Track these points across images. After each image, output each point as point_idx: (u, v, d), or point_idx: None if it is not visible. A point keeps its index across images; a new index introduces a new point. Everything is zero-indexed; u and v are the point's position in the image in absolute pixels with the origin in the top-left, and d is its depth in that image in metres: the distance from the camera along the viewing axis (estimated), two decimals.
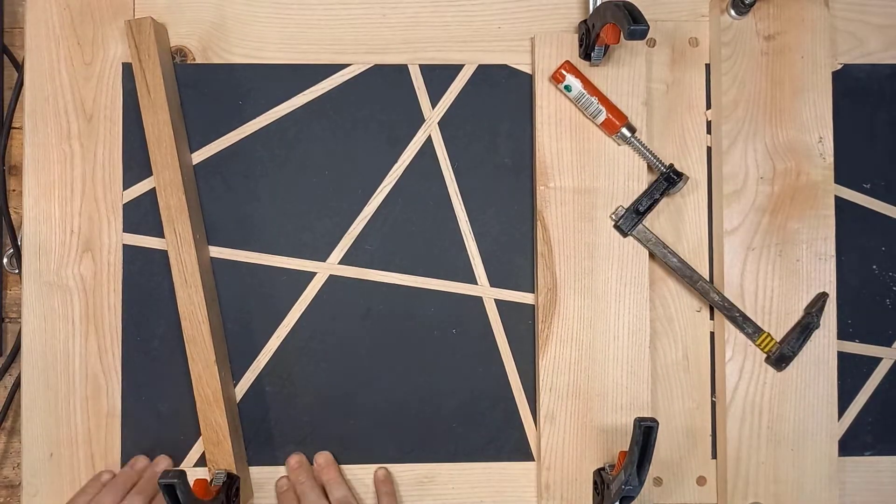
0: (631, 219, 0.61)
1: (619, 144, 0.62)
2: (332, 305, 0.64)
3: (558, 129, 0.62)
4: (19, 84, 0.65)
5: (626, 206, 0.62)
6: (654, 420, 0.52)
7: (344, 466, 0.63)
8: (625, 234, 0.62)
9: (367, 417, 0.64)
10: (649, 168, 0.63)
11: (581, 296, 0.62)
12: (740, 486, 0.61)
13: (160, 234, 0.62)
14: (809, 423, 0.61)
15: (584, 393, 0.62)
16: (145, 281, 0.63)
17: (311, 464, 0.63)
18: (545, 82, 0.62)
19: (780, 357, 0.61)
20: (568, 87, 0.61)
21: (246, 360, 0.63)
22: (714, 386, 0.64)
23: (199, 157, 0.64)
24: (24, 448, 0.62)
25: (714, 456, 0.64)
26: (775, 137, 0.62)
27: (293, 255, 0.64)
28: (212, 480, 0.58)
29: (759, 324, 0.61)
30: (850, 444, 0.64)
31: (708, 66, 0.65)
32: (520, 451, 0.64)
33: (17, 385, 0.64)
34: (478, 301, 0.64)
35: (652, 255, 0.62)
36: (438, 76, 0.64)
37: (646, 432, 0.52)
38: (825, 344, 0.62)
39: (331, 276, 0.64)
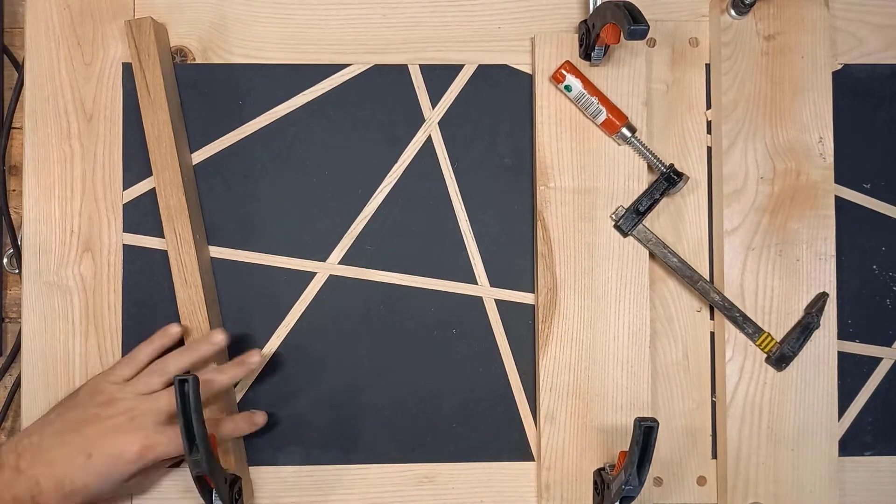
0: (631, 219, 0.61)
1: (619, 144, 0.62)
2: (332, 305, 0.64)
3: (558, 129, 0.62)
4: (19, 84, 0.65)
5: (626, 206, 0.62)
6: (654, 420, 0.52)
7: (344, 466, 0.63)
8: (625, 234, 0.62)
9: (367, 417, 0.64)
10: (649, 168, 0.63)
11: (581, 296, 0.62)
12: (740, 486, 0.61)
13: (160, 234, 0.62)
14: (809, 423, 0.61)
15: (584, 393, 0.62)
16: (145, 281, 0.63)
17: None
18: (545, 82, 0.62)
19: (781, 357, 0.61)
20: (568, 87, 0.61)
21: None
22: (714, 386, 0.64)
23: (199, 157, 0.64)
24: None
25: (714, 456, 0.64)
26: (775, 137, 0.62)
27: (293, 255, 0.64)
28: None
29: (759, 324, 0.61)
30: (850, 444, 0.64)
31: (708, 66, 0.65)
32: (520, 451, 0.64)
33: (17, 385, 0.64)
34: (478, 301, 0.64)
35: (652, 255, 0.62)
36: (438, 76, 0.64)
37: (646, 432, 0.52)
38: (825, 344, 0.62)
39: (331, 276, 0.64)
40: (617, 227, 0.62)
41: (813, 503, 0.61)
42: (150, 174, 0.62)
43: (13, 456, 0.54)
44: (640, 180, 0.62)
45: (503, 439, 0.64)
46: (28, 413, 0.62)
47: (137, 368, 0.58)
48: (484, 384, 0.64)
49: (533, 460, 0.64)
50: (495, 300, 0.64)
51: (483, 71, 0.65)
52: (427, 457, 0.64)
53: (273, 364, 0.63)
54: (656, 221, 0.64)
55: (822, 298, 0.61)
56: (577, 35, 0.62)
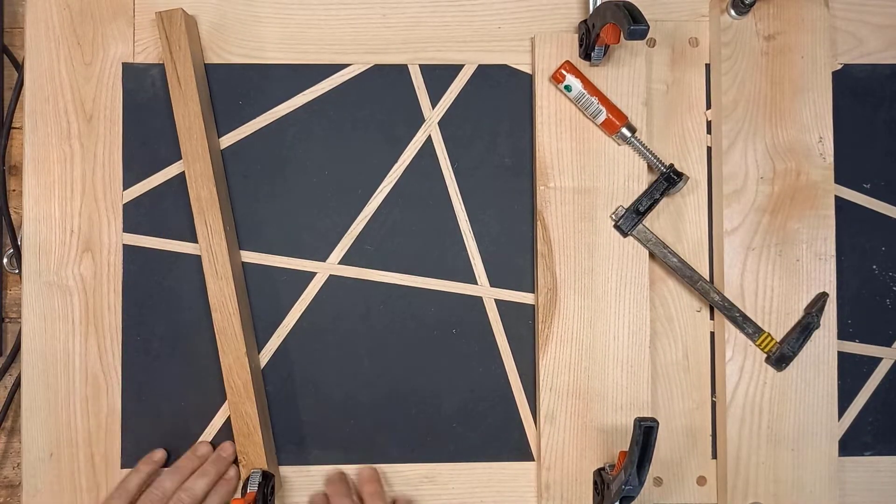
0: (631, 219, 0.61)
1: (619, 144, 0.62)
2: (332, 305, 0.64)
3: (558, 129, 0.62)
4: (19, 84, 0.65)
5: (626, 206, 0.62)
6: (654, 420, 0.52)
7: (344, 466, 0.63)
8: (625, 234, 0.62)
9: (367, 417, 0.64)
10: (649, 168, 0.63)
11: (581, 296, 0.62)
12: (740, 486, 0.61)
13: (160, 234, 0.62)
14: (809, 423, 0.61)
15: (584, 393, 0.62)
16: (145, 281, 0.63)
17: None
18: (545, 82, 0.62)
19: (781, 357, 0.61)
20: (568, 87, 0.61)
21: None
22: (714, 386, 0.64)
23: None
24: (24, 448, 0.62)
25: (714, 456, 0.64)
26: (775, 137, 0.62)
27: (293, 255, 0.64)
28: (246, 483, 0.58)
29: (759, 324, 0.61)
30: (850, 444, 0.64)
31: (708, 66, 0.65)
32: (520, 451, 0.64)
33: (17, 385, 0.64)
34: (478, 301, 0.64)
35: (652, 255, 0.62)
36: (438, 76, 0.64)
37: (646, 432, 0.52)
38: (825, 344, 0.62)
39: (331, 276, 0.64)
40: (617, 227, 0.62)
41: (813, 503, 0.61)
42: (151, 174, 0.62)
43: None
44: (640, 180, 0.62)
45: (503, 439, 0.64)
46: (28, 413, 0.62)
47: (129, 499, 0.58)
48: (484, 384, 0.64)
49: (533, 460, 0.64)
50: (495, 300, 0.64)
51: (483, 71, 0.65)
52: (427, 457, 0.64)
53: (273, 364, 0.63)
54: (656, 221, 0.64)
55: (822, 298, 0.61)
56: (577, 35, 0.62)
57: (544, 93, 0.62)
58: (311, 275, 0.64)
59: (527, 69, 0.65)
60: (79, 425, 0.62)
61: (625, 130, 0.61)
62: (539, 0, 0.65)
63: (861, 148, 0.65)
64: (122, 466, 0.62)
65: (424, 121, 0.65)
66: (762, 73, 0.62)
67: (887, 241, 0.65)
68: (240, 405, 0.60)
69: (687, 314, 0.64)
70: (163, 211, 0.63)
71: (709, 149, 0.65)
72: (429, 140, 0.65)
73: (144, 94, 0.63)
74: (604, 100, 0.61)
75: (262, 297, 0.63)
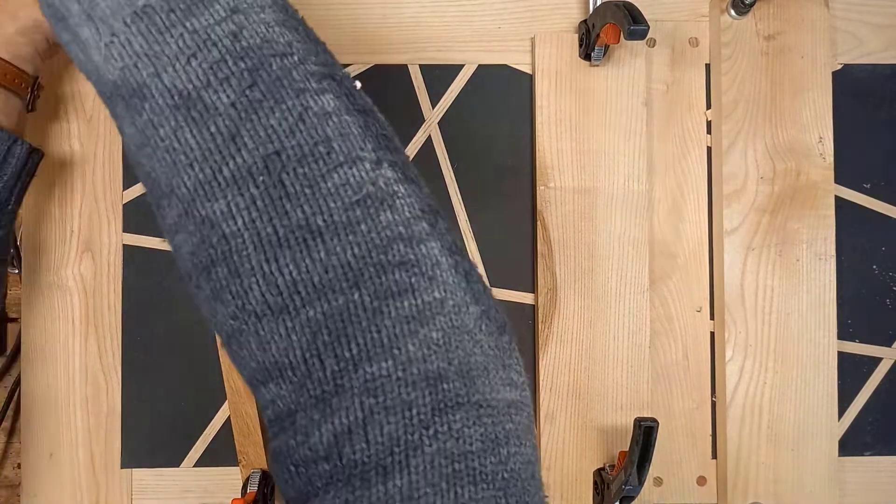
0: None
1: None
2: None
3: (558, 129, 0.62)
4: None
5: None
6: (654, 420, 0.52)
7: None
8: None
9: None
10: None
11: (581, 296, 0.62)
12: (740, 486, 0.61)
13: (160, 234, 0.62)
14: (809, 423, 0.61)
15: (584, 393, 0.62)
16: (145, 281, 0.63)
17: None
18: (545, 82, 0.62)
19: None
20: None
21: None
22: (714, 386, 0.64)
23: None
24: (24, 448, 0.62)
25: (714, 456, 0.64)
26: (775, 137, 0.62)
27: None
28: (246, 483, 0.58)
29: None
30: (850, 444, 0.64)
31: (708, 66, 0.65)
32: None
33: (16, 385, 0.64)
34: None
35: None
36: (438, 76, 0.64)
37: (646, 432, 0.52)
38: (825, 344, 0.62)
39: None
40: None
41: (813, 503, 0.61)
42: None
43: None
44: (640, 180, 0.62)
45: None
46: (28, 413, 0.62)
47: None
48: None
49: None
50: None
51: (483, 71, 0.65)
52: None
53: None
54: (655, 221, 0.64)
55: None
56: (577, 35, 0.62)
57: (544, 93, 0.62)
58: None
59: (527, 69, 0.65)
60: (79, 425, 0.62)
61: None
62: (539, 0, 0.65)
63: (861, 148, 0.65)
64: (122, 466, 0.62)
65: (424, 121, 0.65)
66: (762, 73, 0.62)
67: (887, 241, 0.65)
68: (240, 405, 0.60)
69: (687, 314, 0.64)
70: None
71: (709, 149, 0.65)
72: (429, 140, 0.65)
73: None
74: None
75: None
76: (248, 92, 0.29)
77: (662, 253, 0.64)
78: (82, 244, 0.63)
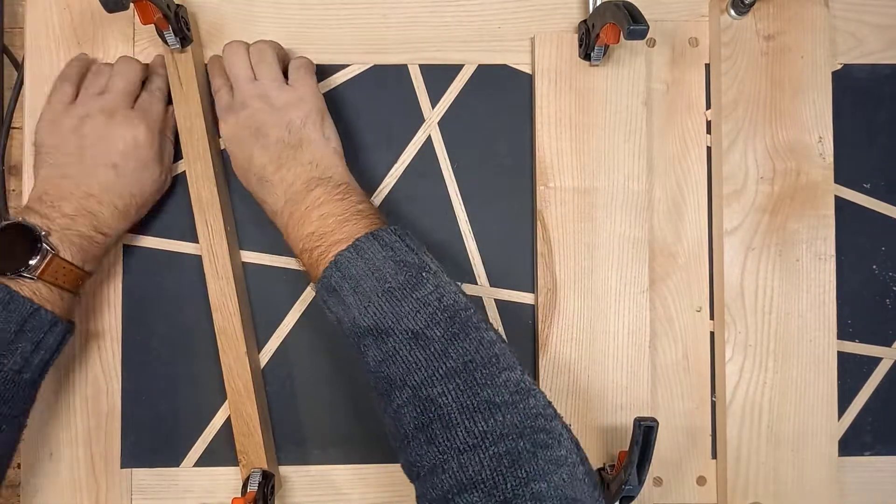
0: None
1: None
2: None
3: (558, 129, 0.62)
4: (19, 84, 0.65)
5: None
6: (654, 420, 0.52)
7: (344, 466, 0.63)
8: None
9: (367, 417, 0.64)
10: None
11: (581, 296, 0.62)
12: (740, 486, 0.61)
13: (160, 234, 0.62)
14: (809, 423, 0.61)
15: (584, 393, 0.62)
16: (145, 281, 0.63)
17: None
18: (545, 82, 0.62)
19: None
20: None
21: None
22: (714, 386, 0.64)
23: None
24: (24, 448, 0.62)
25: (714, 456, 0.64)
26: (775, 137, 0.62)
27: (293, 254, 0.64)
28: (246, 482, 0.58)
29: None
30: (850, 444, 0.64)
31: (708, 66, 0.65)
32: None
33: None
34: (478, 301, 0.64)
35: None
36: (438, 76, 0.64)
37: (646, 432, 0.52)
38: (825, 344, 0.62)
39: None
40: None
41: (813, 503, 0.61)
42: None
43: (40, 206, 0.55)
44: (640, 180, 0.62)
45: None
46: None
47: (75, 84, 0.59)
48: None
49: None
50: (495, 300, 0.64)
51: (483, 71, 0.65)
52: None
53: (273, 364, 0.63)
54: (656, 221, 0.64)
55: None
56: (577, 35, 0.62)
57: (544, 93, 0.62)
58: None
59: (527, 69, 0.65)
60: (79, 425, 0.62)
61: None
62: (539, 0, 0.65)
63: (861, 148, 0.65)
64: (122, 466, 0.62)
65: (424, 121, 0.65)
66: (762, 73, 0.62)
67: (887, 241, 0.65)
68: (240, 405, 0.60)
69: (687, 314, 0.64)
70: (163, 211, 0.63)
71: (709, 149, 0.65)
72: (429, 140, 0.65)
73: None
74: None
75: (262, 297, 0.63)
76: (449, 329, 0.47)
77: (662, 253, 0.64)
78: None
